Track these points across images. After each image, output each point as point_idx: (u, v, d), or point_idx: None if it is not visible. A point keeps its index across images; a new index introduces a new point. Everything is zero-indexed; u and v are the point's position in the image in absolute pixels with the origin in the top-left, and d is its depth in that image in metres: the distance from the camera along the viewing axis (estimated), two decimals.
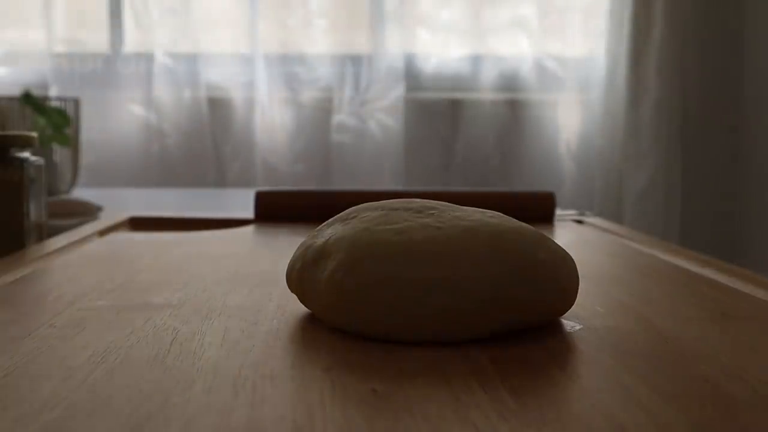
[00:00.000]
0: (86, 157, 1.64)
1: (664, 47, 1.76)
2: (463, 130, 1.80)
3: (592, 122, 1.80)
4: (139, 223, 0.71)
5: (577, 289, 0.35)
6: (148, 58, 1.75)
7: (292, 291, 0.37)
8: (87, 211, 0.89)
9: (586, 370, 0.28)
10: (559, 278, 0.34)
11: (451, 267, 0.31)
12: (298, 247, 0.38)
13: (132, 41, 1.77)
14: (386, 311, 0.31)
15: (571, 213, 0.79)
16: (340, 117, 1.78)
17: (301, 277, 0.35)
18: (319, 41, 1.78)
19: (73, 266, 0.48)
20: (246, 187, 1.73)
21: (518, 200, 0.73)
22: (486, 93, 1.80)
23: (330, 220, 0.38)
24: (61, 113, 1.02)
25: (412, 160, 1.80)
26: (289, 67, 1.78)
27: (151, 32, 1.75)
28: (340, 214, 0.38)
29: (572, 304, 0.35)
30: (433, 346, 0.31)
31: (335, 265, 0.33)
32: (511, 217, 0.37)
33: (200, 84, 1.75)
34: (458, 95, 1.81)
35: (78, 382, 0.26)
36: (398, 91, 1.78)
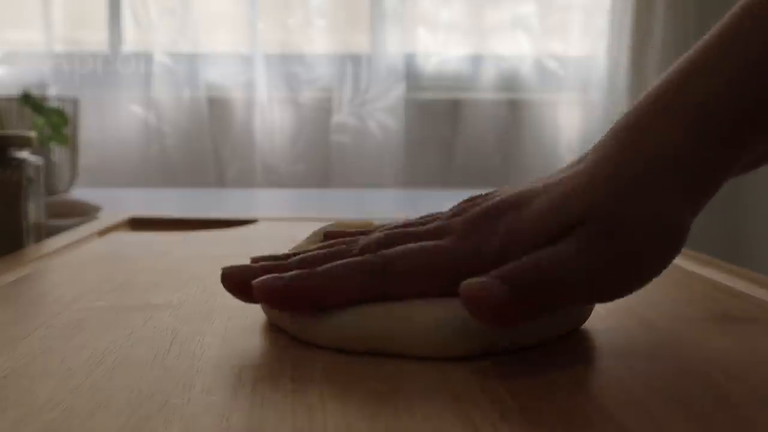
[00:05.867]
0: (85, 157, 1.64)
1: (664, 47, 1.76)
2: (463, 130, 1.80)
3: (592, 122, 1.80)
4: (138, 223, 0.71)
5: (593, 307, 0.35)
6: (147, 58, 1.75)
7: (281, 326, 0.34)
8: (86, 211, 0.89)
9: (586, 371, 0.28)
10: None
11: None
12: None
13: (131, 41, 1.77)
14: (378, 332, 0.30)
15: None
16: (339, 117, 1.77)
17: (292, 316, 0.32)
18: (319, 41, 1.78)
19: (72, 266, 0.48)
20: (246, 187, 1.73)
21: None
22: (486, 93, 1.80)
23: (311, 234, 0.38)
24: (59, 113, 1.02)
25: (412, 160, 1.80)
26: (288, 67, 1.78)
27: (150, 32, 1.75)
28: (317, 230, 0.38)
29: (587, 318, 0.35)
30: None
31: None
32: None
33: (200, 84, 1.75)
34: (458, 95, 1.81)
35: (77, 382, 0.26)
36: (398, 91, 1.78)
